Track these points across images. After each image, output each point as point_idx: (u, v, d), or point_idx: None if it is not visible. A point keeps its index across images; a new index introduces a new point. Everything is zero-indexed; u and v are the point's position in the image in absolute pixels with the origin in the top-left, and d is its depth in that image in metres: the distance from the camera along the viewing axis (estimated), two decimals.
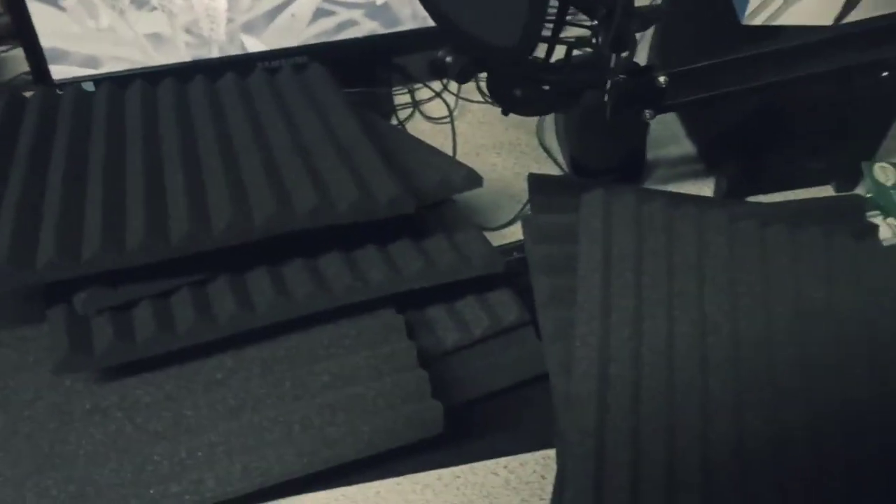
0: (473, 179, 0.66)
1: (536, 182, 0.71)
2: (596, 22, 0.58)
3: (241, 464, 0.53)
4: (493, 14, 0.54)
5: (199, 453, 0.53)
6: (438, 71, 0.63)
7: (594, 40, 0.61)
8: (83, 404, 0.54)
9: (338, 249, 0.60)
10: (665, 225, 0.62)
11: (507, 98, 0.63)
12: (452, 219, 0.67)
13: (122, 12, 0.78)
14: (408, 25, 0.87)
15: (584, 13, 0.59)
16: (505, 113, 0.66)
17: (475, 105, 0.98)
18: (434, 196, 0.64)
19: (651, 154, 0.89)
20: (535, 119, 0.94)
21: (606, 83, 0.62)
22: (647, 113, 0.65)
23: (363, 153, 0.61)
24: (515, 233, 0.82)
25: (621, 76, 0.61)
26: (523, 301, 0.66)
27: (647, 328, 0.56)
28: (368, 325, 0.59)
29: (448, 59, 0.59)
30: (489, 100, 0.98)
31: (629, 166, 0.87)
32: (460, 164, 0.68)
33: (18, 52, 1.04)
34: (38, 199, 0.57)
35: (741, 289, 0.59)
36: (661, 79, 0.62)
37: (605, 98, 0.64)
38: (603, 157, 0.86)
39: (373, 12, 0.86)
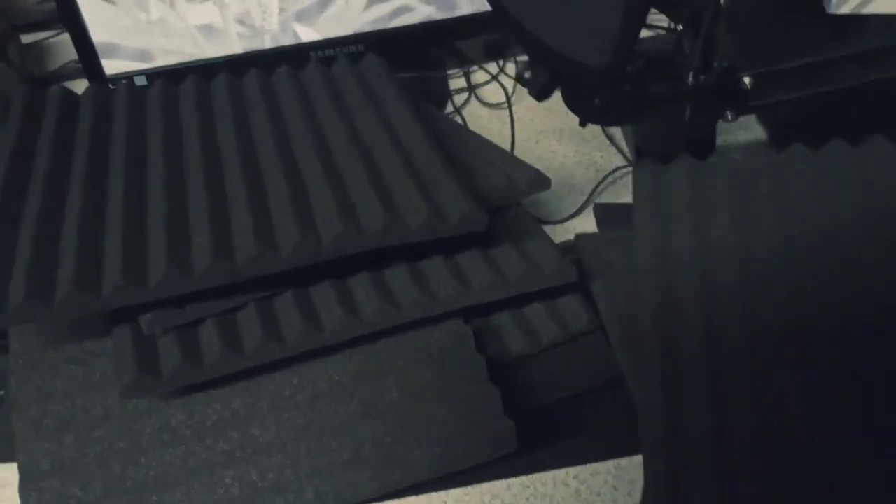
0: (541, 182, 0.63)
1: (603, 212, 0.68)
2: (679, 26, 0.55)
3: (312, 488, 0.51)
4: (580, 31, 0.51)
5: (270, 475, 0.52)
6: (520, 81, 0.60)
7: (677, 45, 0.58)
8: (152, 423, 0.54)
9: (403, 261, 0.58)
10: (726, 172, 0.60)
11: (584, 108, 0.60)
12: (515, 216, 0.65)
13: (172, 4, 0.76)
14: (464, 10, 0.84)
15: (669, 17, 0.56)
16: (582, 124, 0.63)
17: None
18: (499, 201, 0.62)
19: (719, 139, 0.85)
20: None
21: (689, 87, 0.59)
22: (729, 114, 0.61)
23: (429, 161, 0.59)
24: (579, 227, 0.79)
25: (702, 77, 0.58)
26: (592, 302, 0.63)
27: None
28: (436, 337, 0.57)
29: (527, 74, 0.56)
30: None
31: (697, 154, 0.84)
32: (525, 164, 0.65)
33: (65, 39, 1.03)
34: (100, 212, 0.56)
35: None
36: (747, 80, 0.58)
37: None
38: (668, 145, 0.82)
39: None
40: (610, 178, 0.83)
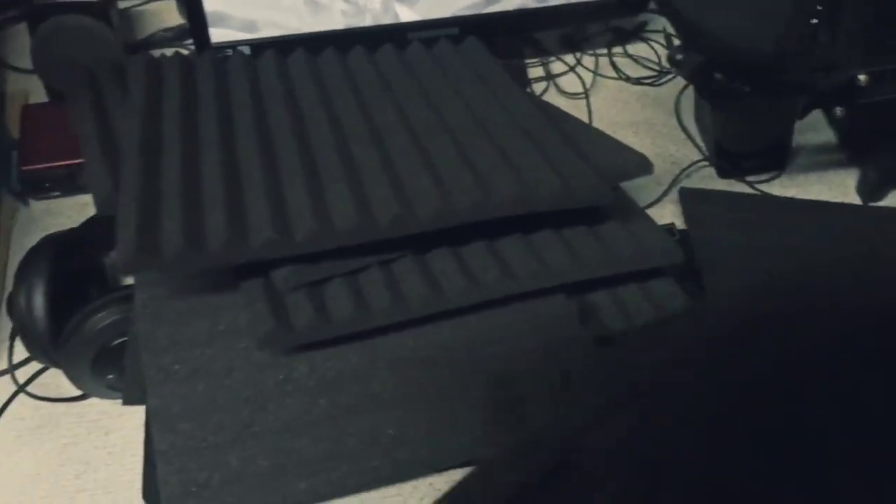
0: (645, 166, 0.66)
1: (688, 196, 0.70)
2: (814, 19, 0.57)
3: (428, 446, 0.54)
4: (746, 19, 0.53)
5: (390, 430, 0.55)
6: (672, 63, 0.62)
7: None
8: (275, 375, 0.56)
9: (518, 232, 0.60)
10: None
11: (710, 87, 0.62)
12: (618, 197, 0.67)
13: None
14: (557, 0, 0.87)
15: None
16: (712, 103, 0.63)
17: (610, 81, 0.97)
18: (611, 180, 0.64)
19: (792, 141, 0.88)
20: (672, 98, 0.93)
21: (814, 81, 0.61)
22: (838, 110, 0.63)
23: (549, 137, 0.61)
24: (656, 216, 0.82)
25: (828, 72, 0.60)
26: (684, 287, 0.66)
27: None
28: (543, 310, 0.60)
29: (679, 56, 0.58)
30: (624, 76, 0.97)
31: (773, 153, 0.86)
32: (630, 149, 0.68)
33: (154, 7, 1.05)
34: (236, 170, 0.58)
35: None
36: (862, 77, 0.60)
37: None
38: (747, 142, 0.85)
39: None
40: (687, 172, 0.86)
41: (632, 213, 0.66)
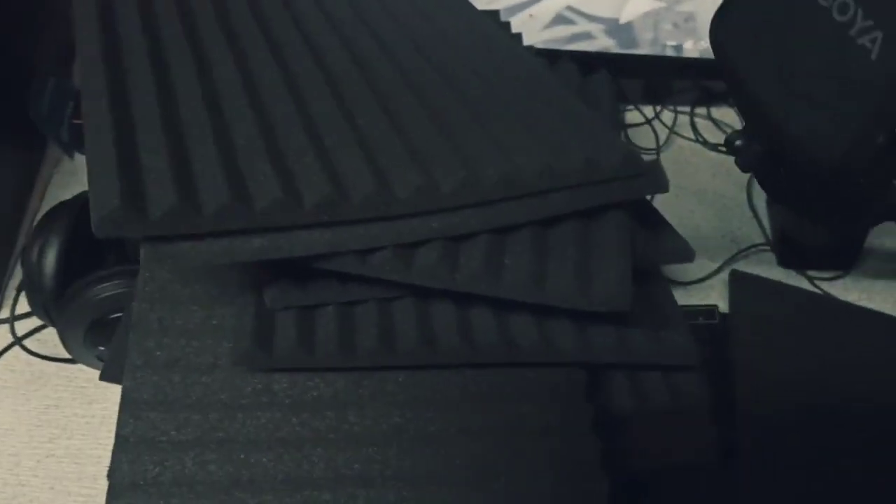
0: (685, 253, 0.61)
1: (739, 281, 0.65)
2: None
3: (395, 490, 0.51)
4: (819, 115, 0.48)
5: (357, 465, 0.52)
6: (728, 147, 0.58)
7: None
8: (254, 383, 0.54)
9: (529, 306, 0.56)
10: None
11: (771, 181, 0.57)
12: (652, 278, 0.63)
13: None
14: (644, 50, 0.83)
15: None
16: (771, 196, 0.59)
17: (686, 142, 0.92)
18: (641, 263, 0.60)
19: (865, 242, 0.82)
20: (747, 174, 0.88)
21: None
22: None
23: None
24: (702, 295, 0.77)
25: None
26: (706, 375, 0.62)
27: None
28: (548, 375, 0.56)
29: (738, 142, 0.54)
30: (701, 139, 0.92)
31: (841, 251, 0.80)
32: (674, 232, 0.63)
33: None
34: (268, 122, 0.56)
35: None
36: None
37: None
38: (814, 236, 0.79)
39: (613, 30, 0.81)
40: (745, 253, 0.81)
41: (659, 294, 0.61)
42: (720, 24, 0.53)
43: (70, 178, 0.81)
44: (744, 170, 0.57)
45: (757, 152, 0.55)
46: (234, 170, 0.50)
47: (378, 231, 0.51)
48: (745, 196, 0.86)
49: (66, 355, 0.66)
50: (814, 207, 0.59)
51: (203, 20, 0.64)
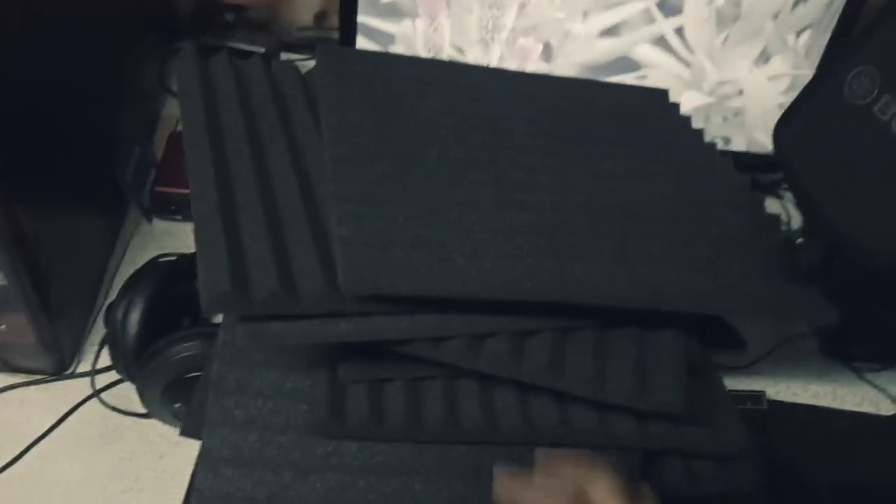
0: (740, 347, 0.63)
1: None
2: None
3: None
4: (872, 217, 0.51)
5: None
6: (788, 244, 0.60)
7: None
8: (325, 445, 0.56)
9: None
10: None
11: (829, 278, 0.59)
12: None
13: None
14: None
15: None
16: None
17: None
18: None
19: None
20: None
21: None
22: None
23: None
24: (748, 379, 0.79)
25: None
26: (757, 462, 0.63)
27: None
28: (605, 453, 0.58)
29: (798, 241, 0.57)
30: None
31: (888, 342, 0.82)
32: (732, 328, 0.65)
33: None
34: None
35: None
36: None
37: None
38: (860, 327, 0.81)
39: None
40: (791, 341, 0.83)
41: (709, 378, 0.63)
42: (784, 127, 0.56)
43: (149, 241, 0.86)
44: (805, 267, 0.59)
45: (817, 252, 0.57)
46: (327, 258, 0.54)
47: (455, 321, 0.55)
48: None
49: (140, 410, 0.69)
50: (867, 303, 0.61)
51: (296, 110, 0.69)
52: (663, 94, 0.78)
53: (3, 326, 0.68)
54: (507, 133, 0.69)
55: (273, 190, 0.60)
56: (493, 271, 0.55)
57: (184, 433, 0.61)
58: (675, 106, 0.76)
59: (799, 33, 0.90)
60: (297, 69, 0.73)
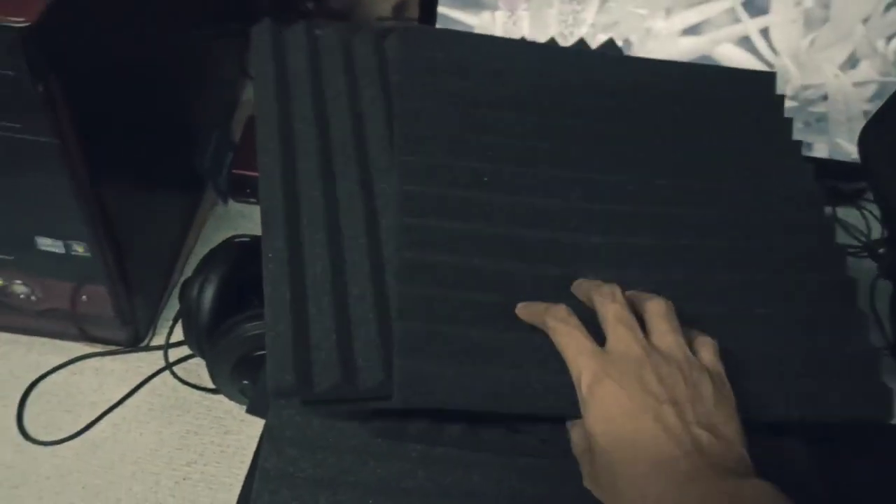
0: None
1: None
2: None
3: None
4: None
5: None
6: (870, 252, 0.59)
7: None
8: (386, 433, 0.58)
9: None
10: None
11: None
12: None
13: None
14: None
15: None
16: None
17: None
18: None
19: None
20: (870, 275, 0.87)
21: None
22: None
23: None
24: None
25: None
26: None
27: None
28: None
29: (881, 250, 0.56)
30: None
31: None
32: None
33: None
34: None
35: None
36: None
37: None
38: None
39: None
40: None
41: None
42: (871, 134, 0.54)
43: (223, 222, 0.88)
44: (888, 277, 0.57)
45: None
46: (388, 359, 0.53)
47: None
48: (867, 300, 0.86)
49: (210, 385, 0.71)
50: None
51: (367, 85, 0.67)
52: (770, 77, 0.70)
53: (85, 297, 0.71)
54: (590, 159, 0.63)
55: (345, 278, 0.57)
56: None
57: (250, 411, 0.62)
58: (780, 99, 0.68)
59: (889, 39, 0.87)
60: (376, 37, 0.68)
